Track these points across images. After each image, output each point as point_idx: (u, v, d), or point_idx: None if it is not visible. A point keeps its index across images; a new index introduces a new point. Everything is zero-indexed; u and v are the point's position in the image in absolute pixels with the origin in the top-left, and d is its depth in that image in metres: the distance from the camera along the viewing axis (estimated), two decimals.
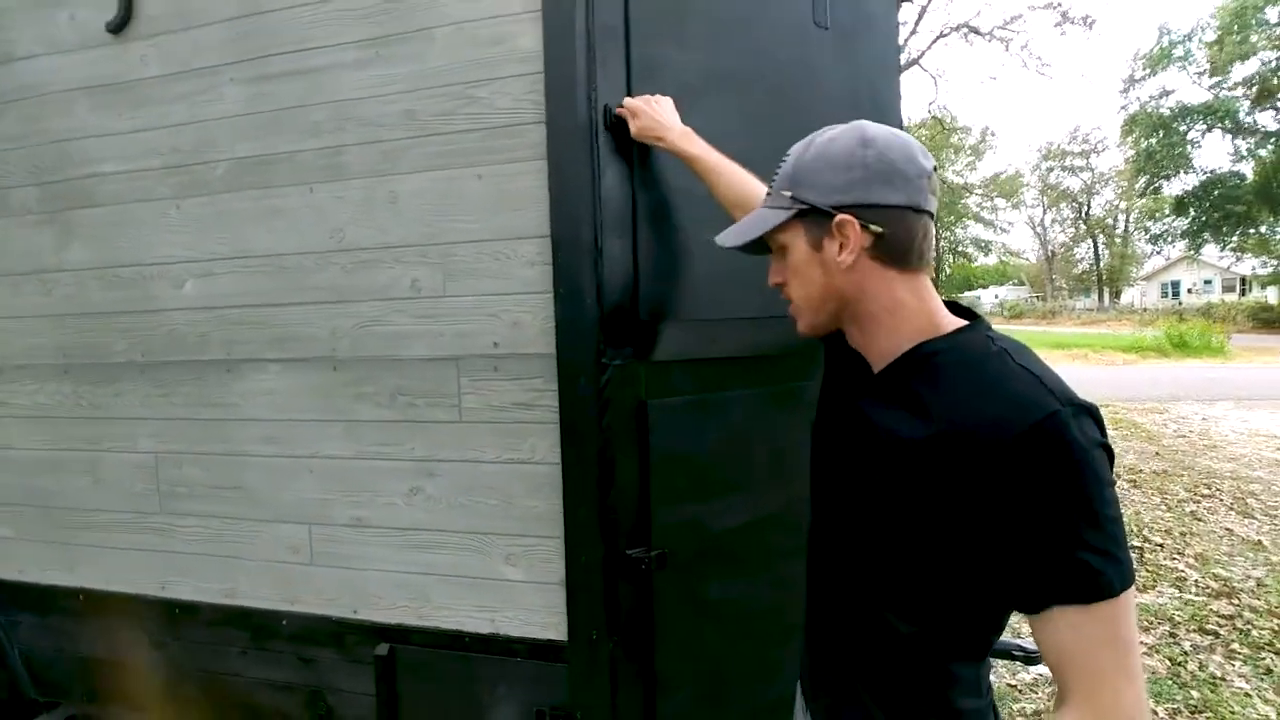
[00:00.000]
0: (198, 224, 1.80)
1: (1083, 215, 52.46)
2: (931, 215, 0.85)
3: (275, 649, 1.81)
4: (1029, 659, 2.28)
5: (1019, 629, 3.37)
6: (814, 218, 0.86)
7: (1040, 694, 2.82)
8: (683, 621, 1.62)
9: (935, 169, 0.86)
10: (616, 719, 1.55)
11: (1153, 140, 33.73)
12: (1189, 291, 48.14)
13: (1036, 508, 0.72)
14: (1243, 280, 44.90)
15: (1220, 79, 30.26)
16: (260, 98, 1.73)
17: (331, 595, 1.76)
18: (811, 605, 1.05)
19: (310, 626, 1.77)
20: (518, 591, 1.61)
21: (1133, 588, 0.73)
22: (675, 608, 1.60)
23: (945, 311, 0.88)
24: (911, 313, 0.86)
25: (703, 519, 1.64)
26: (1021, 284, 59.75)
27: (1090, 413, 0.74)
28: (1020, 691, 2.84)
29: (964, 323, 0.86)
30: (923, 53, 20.63)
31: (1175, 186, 35.17)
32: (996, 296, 54.46)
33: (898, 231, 0.83)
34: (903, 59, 19.15)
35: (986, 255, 58.56)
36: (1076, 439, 0.72)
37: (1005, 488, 0.73)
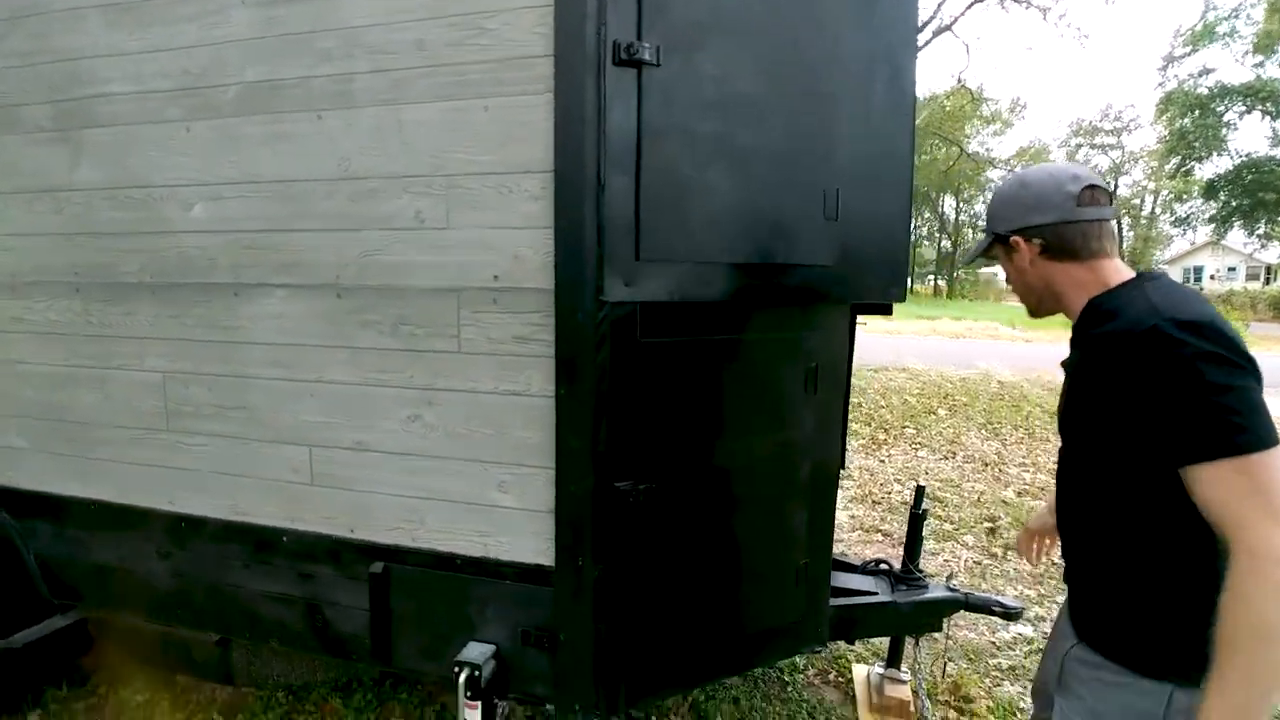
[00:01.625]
0: (207, 147, 1.82)
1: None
2: (1092, 220, 1.18)
3: (276, 564, 1.88)
4: (1007, 614, 2.35)
5: (1001, 589, 3.44)
6: (1001, 240, 1.27)
7: (1018, 651, 2.90)
8: (667, 554, 1.67)
9: (1093, 185, 1.18)
10: (598, 642, 1.63)
11: (1187, 120, 32.71)
12: (1211, 278, 47.29)
13: (1156, 393, 0.97)
14: (1268, 269, 44.04)
15: (1265, 58, 29.15)
16: (270, 22, 1.73)
17: (330, 515, 1.82)
18: (1063, 513, 1.28)
19: (309, 544, 1.84)
20: (509, 518, 1.66)
21: (1276, 450, 0.91)
22: (660, 540, 1.66)
23: (1122, 277, 1.17)
24: (1089, 284, 1.18)
25: (692, 458, 1.68)
26: None
27: (1193, 327, 0.98)
28: (998, 648, 2.92)
29: (1129, 278, 1.16)
30: (956, 19, 19.97)
31: (1207, 170, 34.24)
32: None
33: (1056, 239, 1.19)
34: (935, 25, 18.55)
35: None
36: (1172, 343, 0.97)
37: (1135, 380, 1.00)
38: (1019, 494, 4.90)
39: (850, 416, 7.38)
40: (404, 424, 1.72)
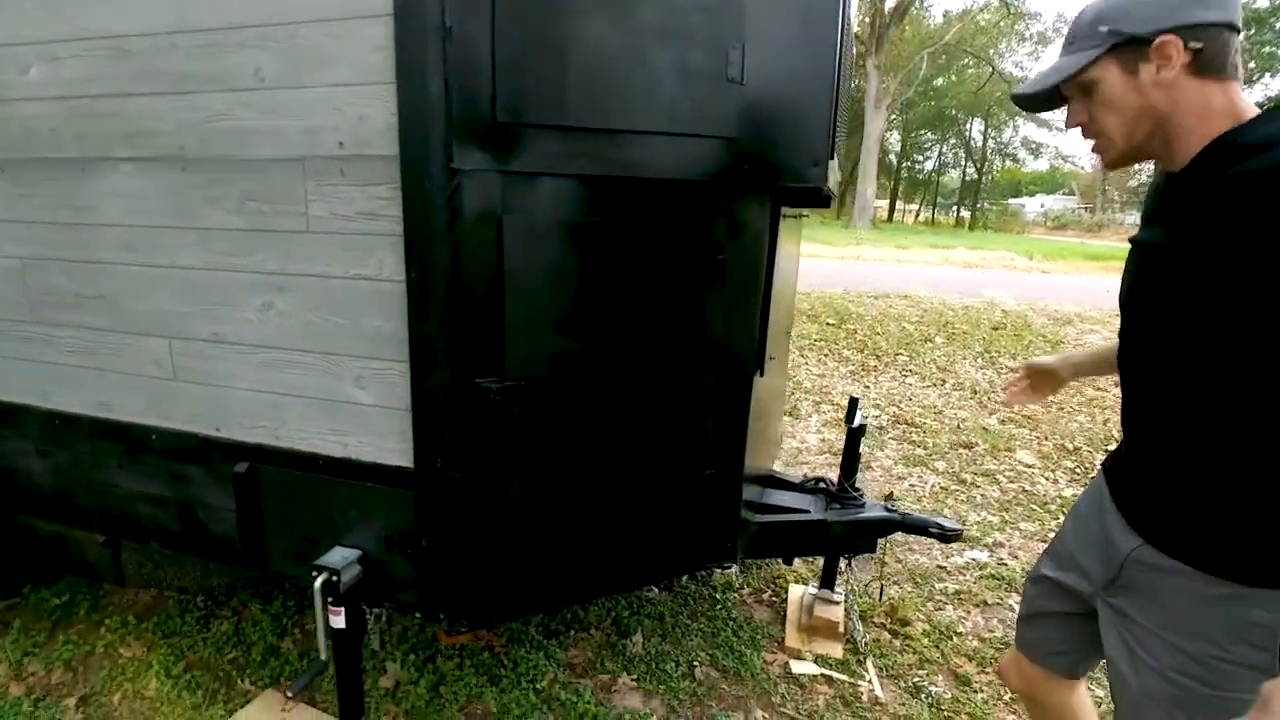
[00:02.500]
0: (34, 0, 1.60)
1: None
2: (1239, 30, 0.94)
3: (148, 463, 1.78)
4: (944, 536, 2.22)
5: (964, 515, 3.32)
6: (1129, 48, 0.95)
7: (969, 576, 2.80)
8: (539, 458, 1.53)
9: None
10: (461, 550, 1.51)
11: (1242, 37, 30.36)
12: None
13: None
14: None
15: None
16: None
17: (196, 412, 1.70)
18: (1143, 407, 1.10)
19: (177, 443, 1.73)
20: (368, 416, 1.52)
21: None
22: (531, 443, 1.51)
23: (1252, 108, 0.94)
24: (1221, 114, 0.94)
25: (564, 353, 1.51)
26: (1071, 193, 56.60)
27: None
28: (948, 573, 2.83)
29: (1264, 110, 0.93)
30: None
31: (1257, 94, 32.13)
32: (1043, 206, 51.76)
33: (1215, 45, 0.92)
34: None
35: (1036, 159, 55.13)
36: None
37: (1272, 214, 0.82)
38: (1002, 422, 4.73)
39: (842, 342, 7.19)
40: (258, 313, 1.57)
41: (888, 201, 48.49)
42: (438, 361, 1.41)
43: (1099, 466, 1.28)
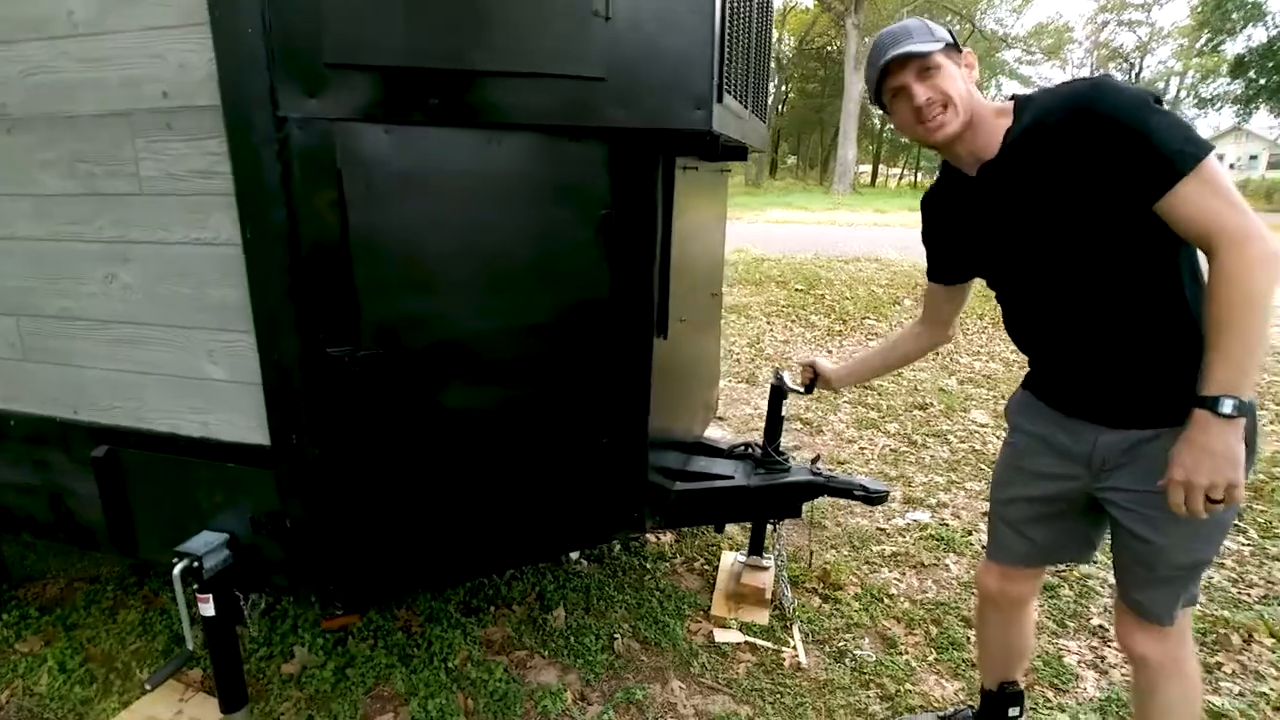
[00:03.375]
0: None
1: (1133, 76, 48.24)
2: None
3: (9, 450, 1.68)
4: (869, 498, 2.16)
5: (911, 477, 3.28)
6: (951, 51, 1.22)
7: (909, 537, 2.76)
8: (408, 432, 1.45)
9: None
10: (328, 530, 1.43)
11: None
12: (1232, 166, 45.25)
13: (1119, 138, 1.06)
14: None
15: None
16: None
17: (52, 395, 1.59)
18: (1046, 336, 1.33)
19: (36, 428, 1.62)
20: (224, 392, 1.43)
21: (1213, 153, 1.04)
22: (391, 414, 1.42)
23: (1000, 105, 1.26)
24: (993, 113, 1.24)
25: (428, 318, 1.41)
26: None
27: (1110, 77, 1.12)
28: (888, 535, 2.79)
29: (1011, 101, 1.24)
30: None
31: (1239, 45, 31.87)
32: None
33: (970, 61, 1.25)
34: None
35: None
36: (1113, 83, 1.10)
37: (1096, 136, 1.08)
38: (961, 382, 4.69)
39: (810, 308, 7.12)
40: (103, 285, 1.46)
41: (870, 166, 48.15)
42: (285, 331, 1.31)
43: (1021, 389, 1.46)
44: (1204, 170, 1.03)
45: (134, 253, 1.40)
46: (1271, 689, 2.03)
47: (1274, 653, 2.17)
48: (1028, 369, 1.43)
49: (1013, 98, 1.23)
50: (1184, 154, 1.03)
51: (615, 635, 2.14)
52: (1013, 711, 1.67)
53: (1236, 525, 2.95)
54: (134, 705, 1.87)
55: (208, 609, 1.47)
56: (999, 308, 1.42)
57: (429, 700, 1.89)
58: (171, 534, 1.58)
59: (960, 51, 1.22)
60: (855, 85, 24.33)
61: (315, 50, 1.20)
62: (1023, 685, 1.69)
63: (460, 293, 1.44)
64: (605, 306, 1.61)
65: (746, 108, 2.03)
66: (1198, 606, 2.36)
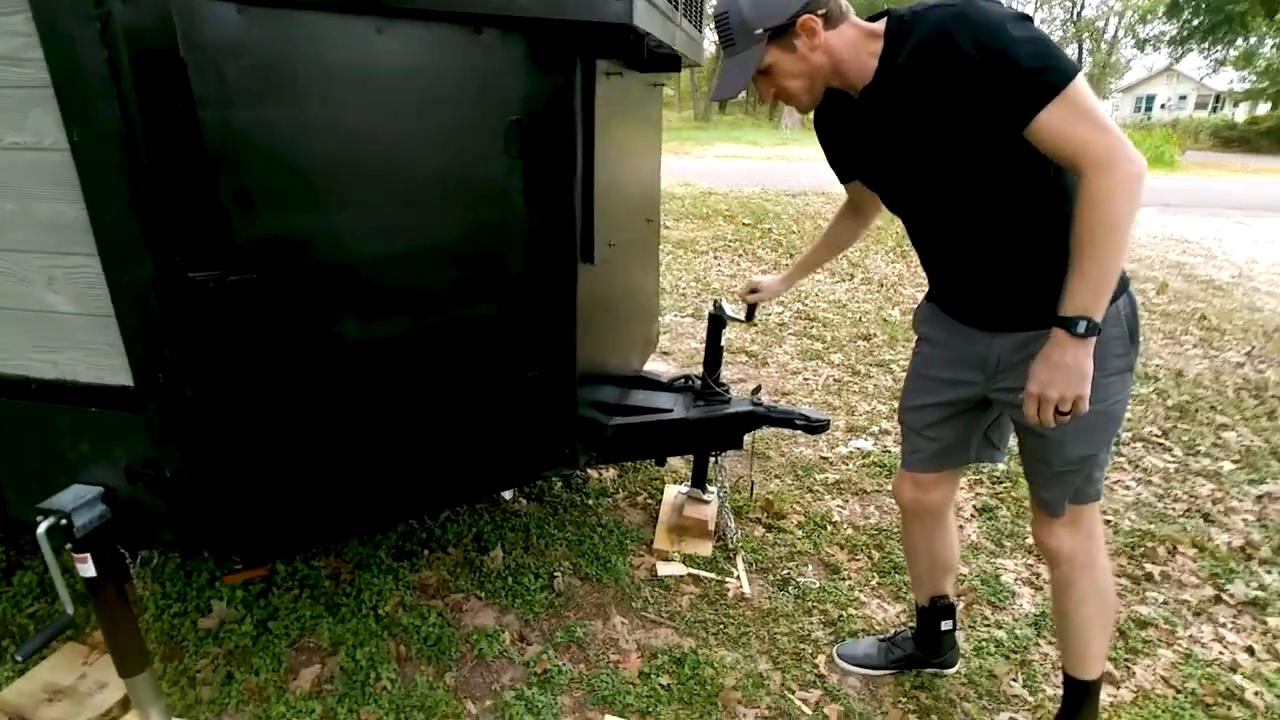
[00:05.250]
0: None
1: (1073, 16, 48.51)
2: None
3: None
4: (810, 427, 2.11)
5: (854, 405, 3.27)
6: (779, 35, 1.17)
7: (851, 465, 2.76)
8: (298, 367, 1.29)
9: None
10: (211, 475, 1.28)
11: None
12: (1162, 107, 46.38)
13: (985, 64, 1.04)
14: (1217, 98, 43.29)
15: None
16: None
17: None
18: (933, 244, 1.37)
19: None
20: (72, 326, 1.23)
21: (1079, 75, 1.02)
22: (283, 350, 1.26)
23: (868, 24, 1.20)
24: (862, 40, 1.19)
25: (318, 237, 1.24)
26: None
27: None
28: (830, 463, 2.78)
29: (883, 22, 1.18)
30: None
31: None
32: None
33: (830, 4, 1.17)
34: None
35: None
36: (977, 7, 1.07)
37: (952, 66, 1.07)
38: (904, 313, 4.70)
39: (757, 242, 7.03)
40: None
41: None
42: (136, 253, 1.12)
43: (925, 300, 1.49)
44: (1069, 94, 1.01)
45: None
46: (1191, 596, 2.10)
47: (1195, 562, 2.24)
48: (926, 274, 1.45)
49: (885, 13, 1.18)
50: (1047, 80, 1.01)
51: (555, 573, 2.07)
52: (945, 625, 1.69)
53: (1160, 443, 3.04)
54: (30, 672, 1.72)
55: (87, 569, 1.31)
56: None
57: (358, 649, 1.79)
58: (39, 489, 1.40)
59: (791, 26, 1.15)
60: None
61: None
62: (953, 598, 1.71)
63: (351, 208, 1.26)
64: (520, 227, 1.46)
65: (678, 10, 1.85)
66: (1128, 521, 2.44)
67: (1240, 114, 35.66)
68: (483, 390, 1.53)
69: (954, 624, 1.70)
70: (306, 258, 1.24)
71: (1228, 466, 2.84)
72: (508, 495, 2.36)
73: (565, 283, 1.57)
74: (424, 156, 1.31)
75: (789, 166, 12.96)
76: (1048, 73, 1.01)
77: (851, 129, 1.34)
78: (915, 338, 1.53)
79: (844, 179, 1.58)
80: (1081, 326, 1.06)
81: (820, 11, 1.15)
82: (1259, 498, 2.63)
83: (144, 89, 1.04)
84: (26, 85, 1.08)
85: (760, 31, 1.16)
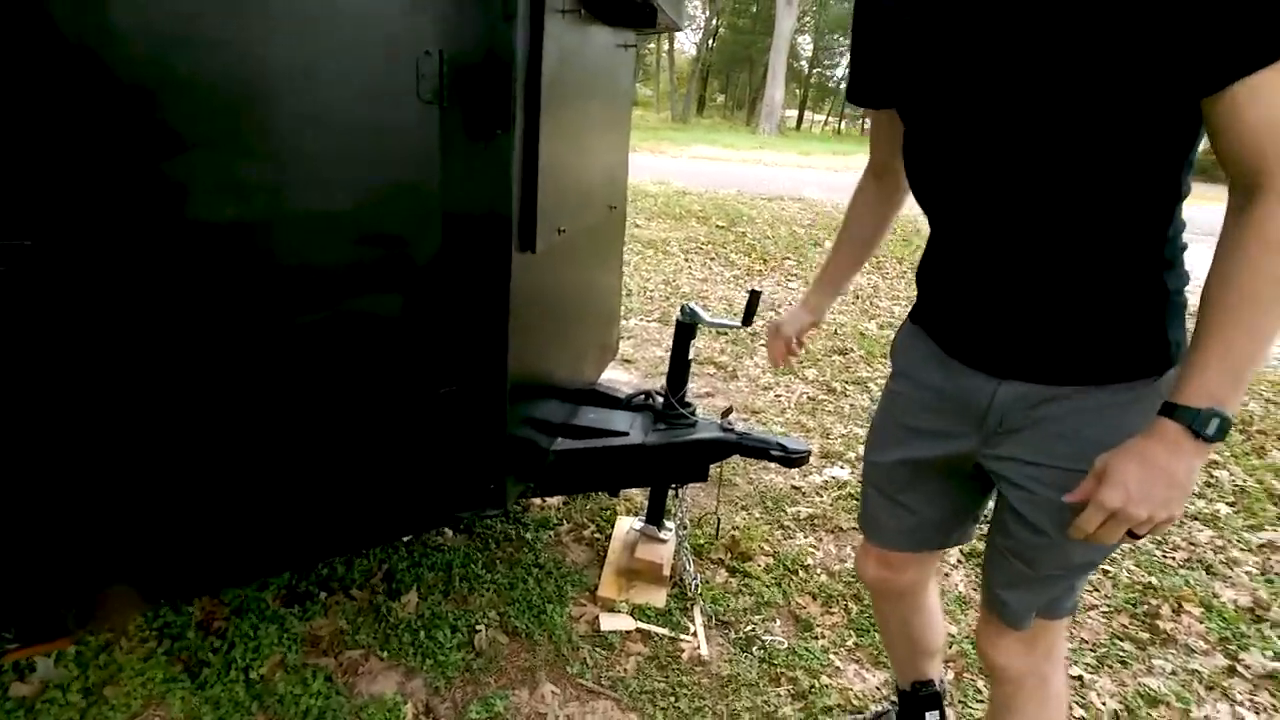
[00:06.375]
0: None
1: None
2: None
3: None
4: (789, 460, 1.80)
5: (829, 427, 3.00)
6: None
7: (825, 497, 2.48)
8: (73, 378, 0.93)
9: None
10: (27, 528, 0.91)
11: None
12: None
13: None
14: None
15: None
16: None
17: None
18: (968, 228, 0.93)
19: None
20: None
21: None
22: (60, 343, 0.90)
23: None
24: None
25: (124, 194, 0.88)
26: None
27: None
28: (803, 494, 2.49)
29: None
30: None
31: None
32: None
33: None
34: None
35: None
36: None
37: None
38: (881, 327, 4.46)
39: (730, 245, 6.80)
40: None
41: (797, 110, 47.92)
42: None
43: (909, 322, 1.12)
44: None
45: None
46: (1201, 665, 1.86)
47: (1202, 623, 2.01)
48: (920, 287, 1.08)
49: None
50: (1277, 32, 0.65)
51: (478, 626, 1.73)
52: (930, 716, 1.40)
53: None
54: None
55: None
56: (925, 221, 1.01)
57: None
58: None
59: None
60: (785, 21, 23.63)
61: None
62: (940, 683, 1.42)
63: (186, 154, 0.91)
64: (436, 199, 1.12)
65: None
66: (1126, 573, 2.20)
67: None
68: (378, 411, 1.19)
69: (941, 714, 1.41)
70: (111, 222, 0.88)
71: (1224, 510, 2.64)
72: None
73: (497, 275, 1.24)
74: (299, 88, 0.96)
75: (765, 170, 12.81)
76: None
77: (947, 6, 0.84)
78: (890, 370, 1.17)
79: (875, 100, 1.07)
80: (1214, 426, 0.72)
81: None
82: (1260, 546, 2.42)
83: None
84: None
85: None
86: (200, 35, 0.87)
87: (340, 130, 1.01)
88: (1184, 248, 0.88)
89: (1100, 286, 0.86)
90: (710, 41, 42.50)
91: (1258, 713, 1.72)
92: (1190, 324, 0.81)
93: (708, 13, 39.59)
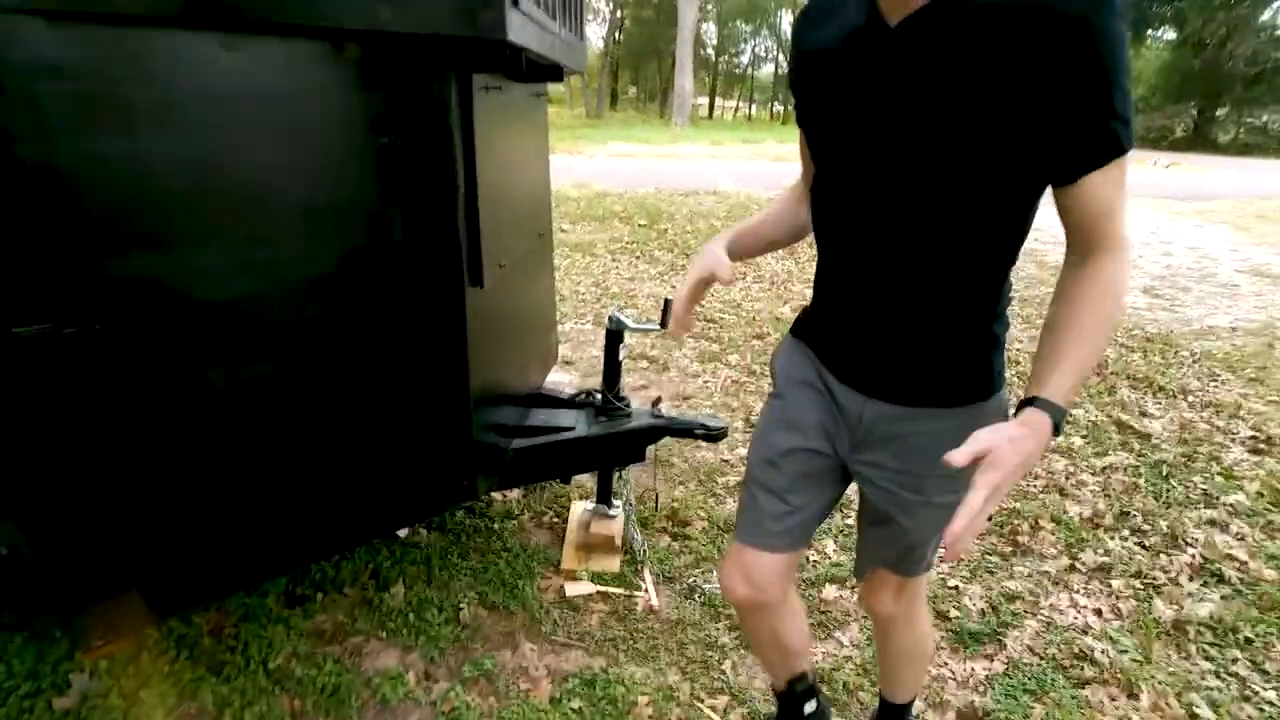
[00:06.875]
0: None
1: None
2: None
3: None
4: (710, 436, 2.16)
5: (752, 406, 3.38)
6: None
7: None
8: (134, 421, 1.18)
9: None
10: (56, 550, 1.15)
11: None
12: None
13: (1088, 77, 0.82)
14: None
15: None
16: None
17: None
18: (850, 264, 1.08)
19: None
20: None
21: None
22: (128, 401, 1.15)
23: None
24: None
25: (168, 278, 1.13)
26: None
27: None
28: (731, 465, 2.87)
29: None
30: None
31: None
32: None
33: None
34: None
35: None
36: (1118, 13, 0.81)
37: (1065, 63, 0.81)
38: (794, 311, 4.90)
39: (653, 243, 7.11)
40: None
41: (707, 98, 48.81)
42: None
43: (790, 337, 1.26)
44: (1125, 161, 0.88)
45: None
46: (1051, 566, 2.32)
47: (1053, 535, 2.48)
48: (809, 304, 1.21)
49: None
50: (1122, 135, 0.85)
51: (461, 605, 2.02)
52: (809, 708, 1.50)
53: None
54: None
55: None
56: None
57: (246, 710, 1.67)
58: None
59: None
60: (689, 12, 24.18)
61: None
62: (812, 674, 1.51)
63: (207, 245, 1.17)
64: (401, 256, 1.40)
65: (555, 19, 1.83)
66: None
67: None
68: (370, 428, 1.47)
69: (818, 702, 1.52)
70: (155, 302, 1.14)
71: (1078, 442, 3.16)
72: (403, 532, 2.27)
73: (454, 310, 1.52)
74: (287, 184, 1.23)
75: (680, 165, 13.22)
76: (1128, 127, 0.84)
77: (860, 62, 0.97)
78: (772, 384, 1.27)
79: (806, 127, 1.14)
80: (1063, 423, 0.88)
81: None
82: (1103, 469, 2.95)
83: None
84: None
85: None
86: (219, 154, 1.13)
87: (326, 211, 1.28)
88: (1010, 302, 1.08)
89: (950, 331, 1.04)
90: (617, 35, 42.77)
91: (1088, 596, 2.19)
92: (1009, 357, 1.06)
93: (611, 5, 39.76)
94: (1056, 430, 0.85)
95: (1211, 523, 2.59)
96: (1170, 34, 29.54)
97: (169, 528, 1.25)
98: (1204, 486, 2.82)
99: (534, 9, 1.47)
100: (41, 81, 0.96)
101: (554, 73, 1.96)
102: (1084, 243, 0.91)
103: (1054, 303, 0.92)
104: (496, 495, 2.54)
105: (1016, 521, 2.54)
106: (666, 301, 1.96)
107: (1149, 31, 30.25)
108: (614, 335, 2.14)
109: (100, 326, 1.07)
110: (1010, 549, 2.41)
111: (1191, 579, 2.28)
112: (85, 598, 1.24)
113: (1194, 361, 4.24)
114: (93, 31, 0.99)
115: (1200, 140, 26.31)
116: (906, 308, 1.03)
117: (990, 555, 2.37)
